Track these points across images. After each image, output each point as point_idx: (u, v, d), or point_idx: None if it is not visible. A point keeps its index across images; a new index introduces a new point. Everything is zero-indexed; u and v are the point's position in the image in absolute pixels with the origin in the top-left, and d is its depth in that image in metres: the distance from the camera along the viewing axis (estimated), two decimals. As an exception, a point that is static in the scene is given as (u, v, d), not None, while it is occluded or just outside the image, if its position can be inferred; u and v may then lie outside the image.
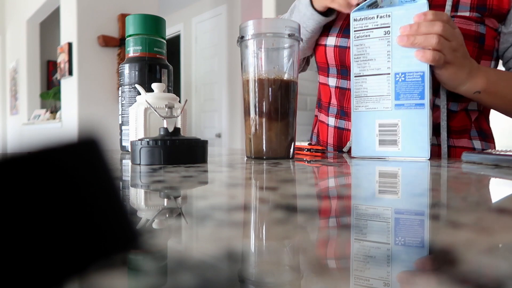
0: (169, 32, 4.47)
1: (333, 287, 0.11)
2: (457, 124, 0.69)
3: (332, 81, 0.77)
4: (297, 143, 0.62)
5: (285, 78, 0.56)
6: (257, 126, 0.56)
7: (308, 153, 0.62)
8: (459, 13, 0.66)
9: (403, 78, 0.57)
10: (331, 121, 0.79)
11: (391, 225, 0.18)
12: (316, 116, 0.87)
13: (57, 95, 3.98)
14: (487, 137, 0.73)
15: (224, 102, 3.77)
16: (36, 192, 0.08)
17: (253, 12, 3.56)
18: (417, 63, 0.56)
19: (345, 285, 0.11)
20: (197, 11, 4.15)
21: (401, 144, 0.57)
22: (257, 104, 0.56)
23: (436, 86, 0.66)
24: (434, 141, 0.68)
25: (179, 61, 4.40)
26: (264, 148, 0.56)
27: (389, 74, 0.58)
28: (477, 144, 0.71)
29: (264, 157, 0.56)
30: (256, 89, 0.56)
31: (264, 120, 0.55)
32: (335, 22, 0.75)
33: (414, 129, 0.56)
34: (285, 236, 0.16)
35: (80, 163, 0.09)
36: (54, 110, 4.10)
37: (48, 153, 0.09)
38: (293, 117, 0.57)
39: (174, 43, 4.44)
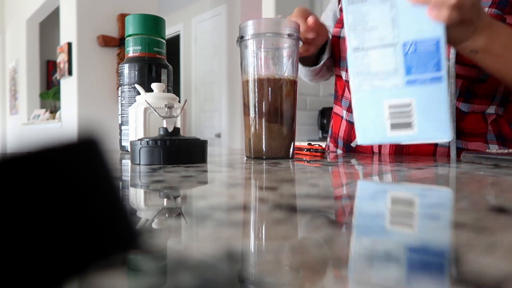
0: (169, 32, 4.47)
1: (333, 286, 0.11)
2: (469, 126, 0.66)
3: (344, 75, 0.77)
4: (297, 143, 0.62)
5: (284, 78, 0.56)
6: (257, 126, 0.56)
7: (307, 153, 0.62)
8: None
9: (413, 48, 0.48)
10: (344, 113, 0.78)
11: (390, 225, 0.18)
12: (333, 110, 0.86)
13: (56, 95, 3.97)
14: (507, 141, 0.68)
15: (224, 102, 3.77)
16: (36, 192, 0.08)
17: (253, 12, 3.56)
18: (429, 28, 0.47)
19: (345, 285, 0.11)
20: (197, 11, 4.15)
21: (417, 126, 0.49)
22: (256, 104, 0.56)
23: None
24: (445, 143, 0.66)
25: (179, 61, 4.40)
26: (263, 148, 0.56)
27: (396, 44, 0.49)
28: (494, 148, 0.66)
29: (264, 157, 0.56)
30: (256, 89, 0.56)
31: (263, 120, 0.55)
32: None
33: (431, 107, 0.48)
34: (285, 236, 0.16)
35: (80, 163, 0.09)
36: (54, 110, 4.09)
37: (48, 153, 0.09)
38: (292, 117, 0.57)
39: (174, 43, 4.44)
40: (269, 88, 0.55)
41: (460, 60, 0.63)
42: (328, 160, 0.56)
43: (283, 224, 0.17)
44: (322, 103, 2.99)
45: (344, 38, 0.73)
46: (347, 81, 0.75)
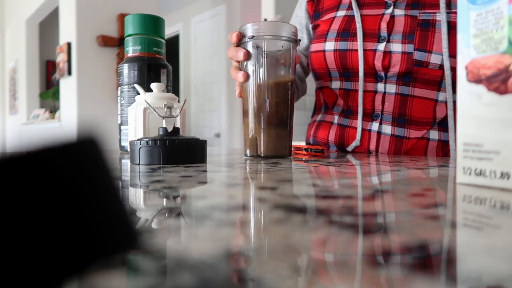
0: (168, 32, 4.47)
1: (332, 286, 0.11)
2: None
3: (335, 84, 0.77)
4: (296, 143, 0.63)
5: (282, 80, 0.56)
6: (256, 126, 0.56)
7: (306, 153, 0.62)
8: (453, 10, 0.67)
9: None
10: (336, 119, 0.79)
11: (390, 225, 0.18)
12: (313, 122, 0.85)
13: (56, 95, 3.98)
14: None
15: (223, 102, 3.77)
16: (36, 192, 0.08)
17: (252, 12, 3.56)
18: None
19: (344, 284, 0.11)
20: (196, 11, 4.15)
21: None
22: (255, 106, 0.56)
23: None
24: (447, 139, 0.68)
25: (178, 61, 4.40)
26: (263, 147, 0.56)
27: None
28: None
29: (262, 155, 0.56)
30: (254, 90, 0.56)
31: (262, 120, 0.56)
32: (330, 28, 0.75)
33: None
34: (285, 236, 0.16)
35: (79, 163, 0.09)
36: (53, 110, 4.09)
37: (47, 153, 0.09)
38: (290, 117, 0.58)
39: (173, 43, 4.44)
40: (267, 90, 0.56)
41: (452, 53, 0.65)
42: (326, 159, 0.56)
43: (283, 224, 0.17)
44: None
45: (330, 51, 0.73)
46: (342, 89, 0.76)
